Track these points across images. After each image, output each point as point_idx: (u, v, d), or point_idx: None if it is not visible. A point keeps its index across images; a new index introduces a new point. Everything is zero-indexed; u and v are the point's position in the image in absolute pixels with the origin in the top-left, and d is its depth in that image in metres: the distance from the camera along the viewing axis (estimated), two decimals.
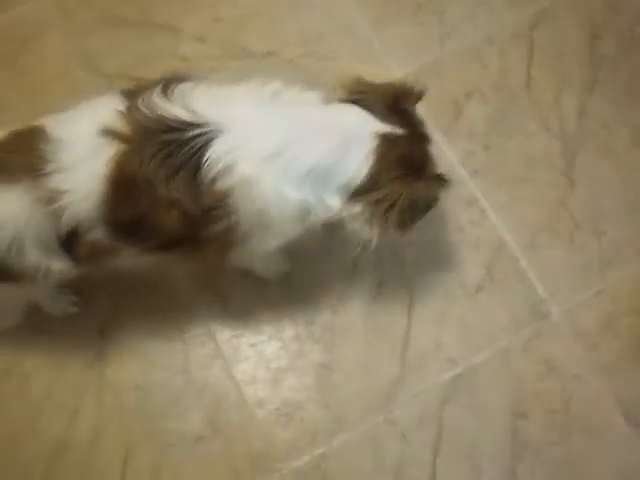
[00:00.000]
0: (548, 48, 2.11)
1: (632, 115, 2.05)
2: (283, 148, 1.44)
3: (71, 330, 1.88)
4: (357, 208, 1.52)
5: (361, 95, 1.56)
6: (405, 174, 1.52)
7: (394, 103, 1.56)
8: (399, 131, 1.52)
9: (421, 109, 1.96)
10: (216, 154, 1.41)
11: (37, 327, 1.87)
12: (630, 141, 2.03)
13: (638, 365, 1.85)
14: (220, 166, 1.41)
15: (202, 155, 1.40)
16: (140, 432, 1.81)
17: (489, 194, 1.97)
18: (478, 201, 1.96)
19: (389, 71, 2.07)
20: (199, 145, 1.41)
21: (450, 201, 1.94)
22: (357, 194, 1.51)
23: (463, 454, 1.79)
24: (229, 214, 1.44)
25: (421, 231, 1.91)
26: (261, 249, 1.61)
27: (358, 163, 1.48)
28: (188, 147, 1.40)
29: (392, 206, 1.52)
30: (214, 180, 1.41)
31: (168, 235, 1.48)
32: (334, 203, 1.50)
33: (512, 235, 1.94)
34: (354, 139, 1.49)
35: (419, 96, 1.62)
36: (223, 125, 1.42)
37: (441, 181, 1.59)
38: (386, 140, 1.50)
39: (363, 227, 1.56)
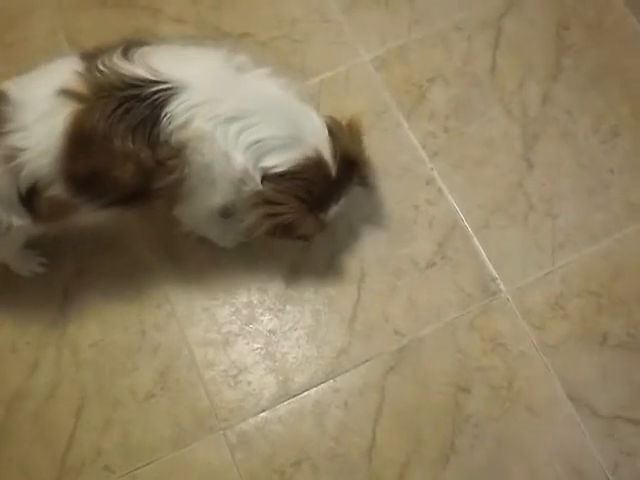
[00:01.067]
0: (515, 36, 2.15)
1: (595, 103, 2.08)
2: (242, 114, 1.53)
3: (36, 289, 1.95)
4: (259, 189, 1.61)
5: (336, 128, 1.67)
6: (306, 200, 1.63)
7: (349, 158, 1.67)
8: (332, 169, 1.63)
9: (384, 93, 2.04)
10: (177, 109, 1.49)
11: (4, 284, 1.95)
12: (591, 128, 2.05)
13: (584, 346, 1.86)
14: (178, 121, 1.49)
15: (161, 110, 1.49)
16: (94, 387, 1.87)
17: (447, 175, 2.01)
18: (435, 181, 2.00)
19: (357, 55, 2.14)
20: (160, 100, 1.49)
21: (407, 180, 2.00)
22: (265, 178, 1.60)
23: (404, 424, 1.81)
24: (181, 166, 1.52)
25: (376, 208, 1.97)
26: (203, 206, 1.67)
27: (287, 158, 1.58)
28: (148, 102, 1.49)
29: (275, 215, 1.63)
30: (171, 134, 1.49)
31: (124, 188, 1.56)
32: (257, 180, 1.59)
33: (466, 214, 1.97)
34: (300, 140, 1.59)
35: (363, 180, 1.78)
36: (185, 84, 1.50)
37: (322, 228, 1.72)
38: (318, 163, 1.61)
39: (245, 209, 1.66)
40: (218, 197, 1.63)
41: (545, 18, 2.17)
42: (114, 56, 1.53)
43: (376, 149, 1.82)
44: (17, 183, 1.54)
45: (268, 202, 1.61)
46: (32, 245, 1.90)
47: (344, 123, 1.72)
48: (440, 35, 2.16)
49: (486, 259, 1.93)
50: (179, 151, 1.51)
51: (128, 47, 1.55)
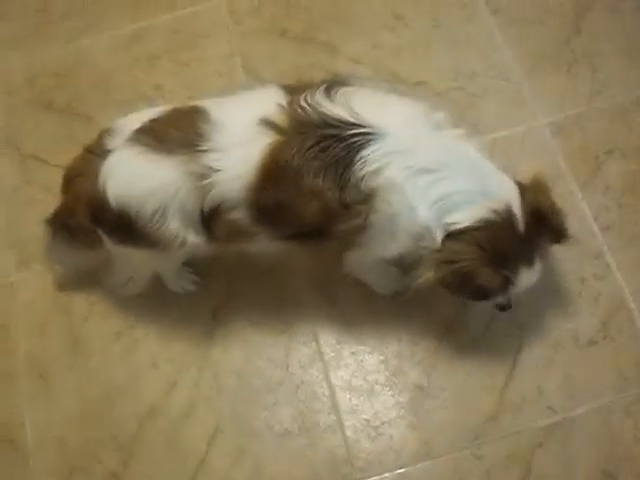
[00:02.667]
0: None
1: None
2: (434, 167, 1.50)
3: (185, 307, 1.96)
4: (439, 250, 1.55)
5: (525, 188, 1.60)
6: (487, 250, 1.54)
7: (540, 215, 1.58)
8: (520, 224, 1.55)
9: (560, 159, 2.00)
10: (372, 155, 1.48)
11: (154, 298, 1.96)
12: None
13: None
14: (372, 167, 1.48)
15: (357, 153, 1.48)
16: (231, 415, 1.85)
17: (617, 251, 1.94)
18: (604, 256, 1.94)
19: (534, 117, 2.11)
20: (357, 143, 1.48)
21: (576, 251, 1.92)
22: (446, 234, 1.54)
23: None
24: (367, 213, 1.51)
25: (542, 275, 1.90)
26: (377, 255, 1.66)
27: (472, 213, 1.52)
28: (345, 143, 1.49)
29: (450, 263, 1.55)
30: (362, 179, 1.48)
31: (304, 225, 1.56)
32: (438, 237, 1.53)
33: (634, 295, 1.89)
34: (489, 192, 1.54)
35: (560, 237, 1.64)
36: (384, 131, 1.49)
37: (505, 286, 1.60)
38: (505, 217, 1.53)
39: (421, 268, 1.60)
40: (395, 249, 1.61)
41: None
42: (317, 93, 1.54)
43: None
44: (202, 201, 1.55)
45: (446, 250, 1.55)
46: (187, 263, 1.91)
47: (529, 181, 1.64)
48: (620, 108, 2.11)
49: None
50: (368, 197, 1.49)
51: (331, 86, 1.56)
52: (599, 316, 1.88)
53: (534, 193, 1.59)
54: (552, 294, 1.90)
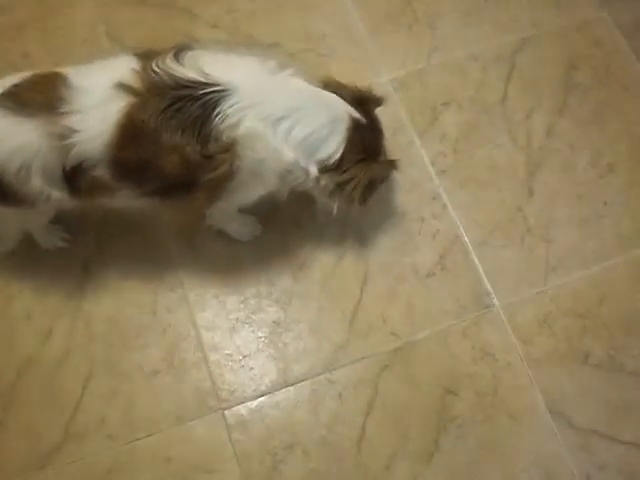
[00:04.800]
0: (527, 72, 2.31)
1: (595, 139, 2.24)
2: (287, 113, 1.69)
3: (58, 263, 2.06)
4: (323, 181, 1.79)
5: (334, 89, 1.84)
6: (365, 157, 1.82)
7: (358, 102, 1.84)
8: (364, 120, 1.81)
9: (401, 111, 2.18)
10: (229, 110, 1.63)
11: (27, 256, 2.05)
12: (590, 162, 2.20)
13: (567, 363, 1.99)
14: (231, 120, 1.63)
15: (213, 109, 1.63)
16: (103, 360, 1.97)
17: (452, 192, 2.15)
18: (441, 197, 2.14)
19: (378, 74, 2.29)
20: (212, 100, 1.63)
21: (415, 194, 2.13)
22: (327, 169, 1.78)
23: (393, 420, 1.93)
24: (231, 160, 1.66)
25: (385, 217, 2.10)
26: (247, 197, 1.84)
27: (337, 143, 1.76)
28: (201, 102, 1.63)
29: (356, 186, 1.81)
30: (222, 131, 1.64)
31: (166, 178, 1.69)
32: (313, 172, 1.76)
33: (467, 231, 2.11)
34: (338, 118, 1.77)
35: (379, 102, 1.92)
36: (233, 86, 1.65)
37: (392, 163, 1.89)
38: (355, 125, 1.79)
39: (327, 199, 1.85)
40: (263, 188, 1.80)
41: (556, 58, 2.33)
42: (167, 59, 1.67)
43: None
44: (64, 160, 1.65)
45: (341, 184, 1.80)
46: (56, 220, 2.02)
47: (323, 83, 1.87)
48: (457, 63, 2.31)
49: (482, 274, 2.06)
50: (230, 146, 1.65)
51: (179, 51, 1.70)
52: (437, 250, 2.09)
53: (340, 89, 1.85)
54: (394, 233, 2.10)
